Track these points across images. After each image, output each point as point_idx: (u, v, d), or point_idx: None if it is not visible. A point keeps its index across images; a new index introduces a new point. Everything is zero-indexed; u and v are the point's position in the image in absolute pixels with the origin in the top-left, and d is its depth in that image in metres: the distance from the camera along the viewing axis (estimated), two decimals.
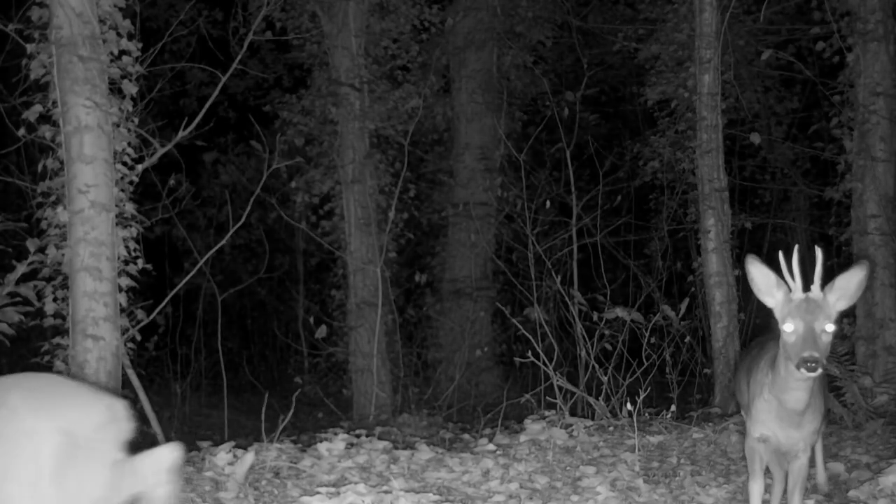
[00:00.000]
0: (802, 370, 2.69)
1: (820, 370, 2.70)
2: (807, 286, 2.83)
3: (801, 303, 2.77)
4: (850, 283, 2.80)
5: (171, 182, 8.15)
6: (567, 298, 6.76)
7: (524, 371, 8.86)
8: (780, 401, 3.00)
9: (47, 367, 5.65)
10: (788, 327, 2.77)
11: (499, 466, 4.50)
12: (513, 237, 9.67)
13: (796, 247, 2.89)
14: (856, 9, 7.39)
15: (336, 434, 4.84)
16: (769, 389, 3.04)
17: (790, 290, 2.83)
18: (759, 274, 2.89)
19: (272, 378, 11.97)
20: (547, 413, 5.52)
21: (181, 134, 6.21)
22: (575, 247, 7.74)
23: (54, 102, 5.44)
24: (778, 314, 2.84)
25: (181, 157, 7.52)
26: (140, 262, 5.75)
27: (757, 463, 3.23)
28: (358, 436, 4.93)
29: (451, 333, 9.79)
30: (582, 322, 6.62)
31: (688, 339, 7.33)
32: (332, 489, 3.86)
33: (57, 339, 5.53)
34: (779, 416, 3.07)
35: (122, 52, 5.66)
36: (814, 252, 2.82)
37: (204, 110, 6.45)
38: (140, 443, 6.19)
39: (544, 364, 5.96)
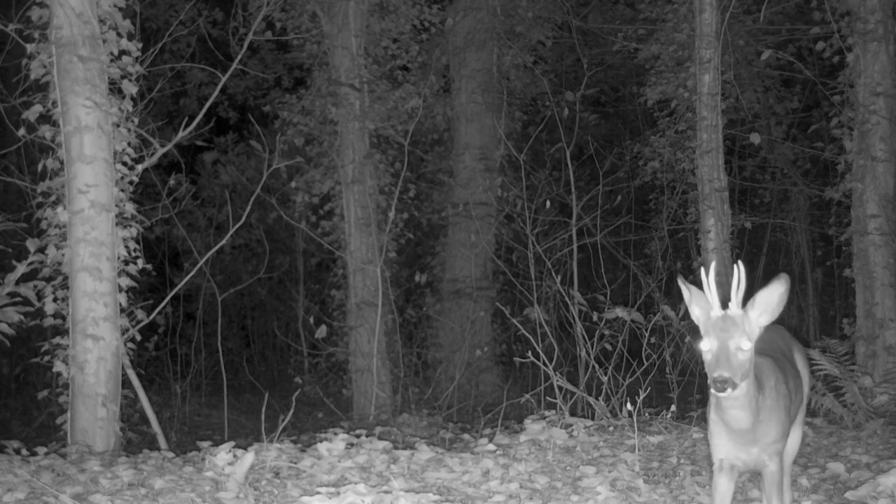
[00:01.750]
0: (713, 390, 2.67)
1: (730, 391, 2.66)
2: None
3: (718, 320, 2.75)
4: (771, 298, 2.76)
5: (171, 182, 8.16)
6: (567, 298, 6.75)
7: (524, 371, 8.86)
8: (724, 421, 2.94)
9: (47, 367, 5.66)
10: (704, 345, 2.75)
11: (499, 466, 4.49)
12: (513, 237, 9.67)
13: (713, 263, 2.86)
14: (856, 9, 7.39)
15: (336, 434, 4.83)
16: (714, 409, 2.97)
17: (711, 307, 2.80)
18: (684, 291, 2.86)
19: (272, 378, 11.97)
20: (547, 413, 5.51)
21: (181, 134, 6.21)
22: (575, 247, 7.74)
23: (54, 102, 5.45)
24: (700, 331, 2.83)
25: (181, 157, 7.54)
26: (140, 262, 5.75)
27: (718, 500, 3.07)
28: (358, 436, 4.92)
29: (451, 333, 9.79)
30: (582, 322, 6.62)
31: (688, 339, 7.33)
32: (332, 489, 3.86)
33: (57, 339, 5.53)
34: (730, 437, 2.98)
35: (122, 52, 5.66)
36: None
37: (204, 110, 6.46)
38: (140, 442, 6.20)
39: (544, 364, 5.96)
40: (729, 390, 2.65)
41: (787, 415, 3.04)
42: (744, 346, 2.70)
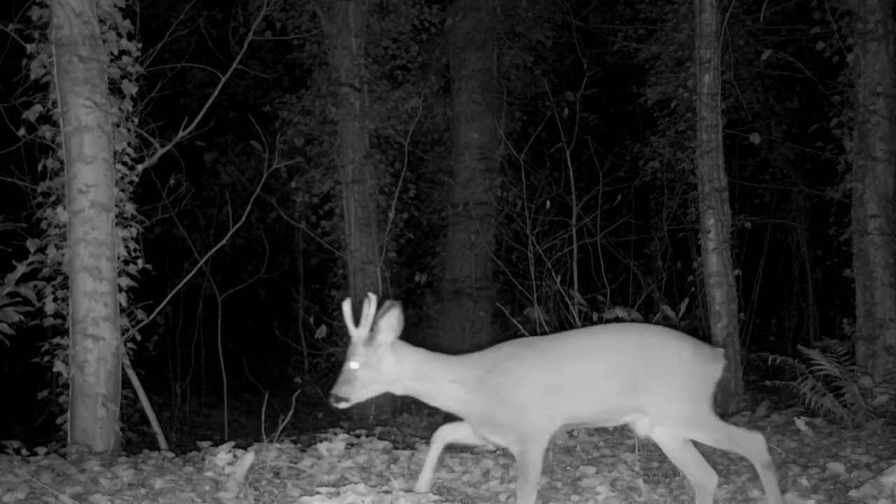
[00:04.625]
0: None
1: (335, 403, 3.35)
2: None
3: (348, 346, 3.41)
4: (391, 321, 3.37)
5: (171, 182, 8.15)
6: (567, 298, 6.75)
7: None
8: None
9: (47, 367, 5.66)
10: None
11: (499, 466, 4.50)
12: (513, 237, 9.66)
13: (347, 301, 3.44)
14: (856, 9, 7.39)
15: (336, 434, 4.83)
16: None
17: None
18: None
19: (272, 378, 11.96)
20: None
21: (181, 134, 6.21)
22: (575, 247, 7.73)
23: (54, 102, 5.45)
24: None
25: (181, 157, 7.53)
26: (140, 262, 5.76)
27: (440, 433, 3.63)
28: (358, 436, 4.93)
29: (451, 333, 9.79)
30: (582, 322, 6.61)
31: None
32: (332, 489, 3.85)
33: (57, 339, 5.54)
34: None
35: (122, 52, 5.66)
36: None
37: (204, 110, 6.46)
38: (140, 442, 6.18)
39: None
40: (333, 402, 3.35)
41: (514, 419, 3.33)
42: (352, 366, 3.35)
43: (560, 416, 3.39)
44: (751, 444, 3.43)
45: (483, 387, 3.36)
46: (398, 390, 3.43)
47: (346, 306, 3.40)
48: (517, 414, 3.34)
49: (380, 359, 3.38)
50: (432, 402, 3.48)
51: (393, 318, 3.38)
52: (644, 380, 3.37)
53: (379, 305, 3.40)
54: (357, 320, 3.41)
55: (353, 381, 3.35)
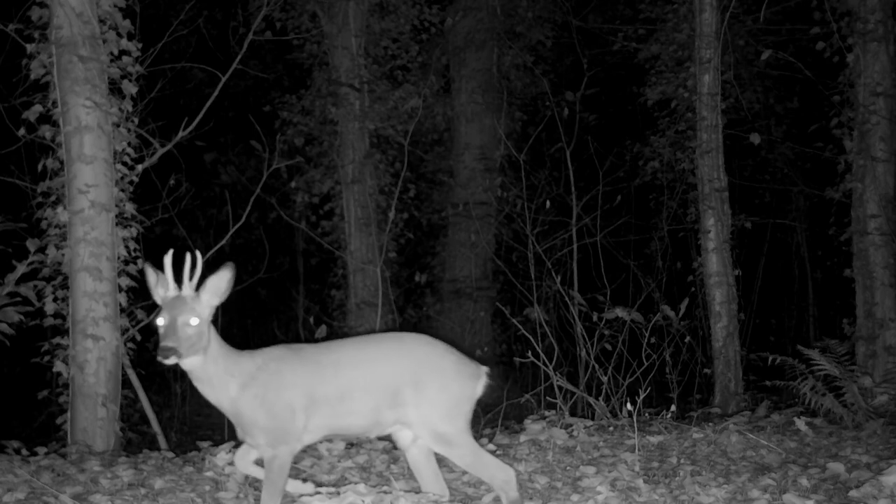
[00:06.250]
0: (160, 357, 3.12)
1: (174, 358, 3.12)
2: None
3: (170, 300, 3.20)
4: (220, 283, 3.22)
5: (171, 182, 8.15)
6: (567, 298, 6.75)
7: (524, 371, 8.85)
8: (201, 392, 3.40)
9: (47, 367, 5.66)
10: (159, 321, 3.20)
11: None
12: (513, 237, 9.66)
13: (170, 251, 3.27)
14: (856, 9, 7.39)
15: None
16: None
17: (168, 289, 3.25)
18: (150, 275, 3.31)
19: None
20: (547, 413, 5.51)
21: (181, 134, 6.22)
22: (575, 247, 7.74)
23: (54, 102, 5.45)
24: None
25: (181, 157, 7.53)
26: (140, 262, 5.76)
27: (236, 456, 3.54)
28: None
29: (451, 333, 9.79)
30: (582, 322, 6.62)
31: (688, 339, 7.33)
32: (332, 489, 3.86)
33: (57, 339, 5.54)
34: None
35: (122, 52, 5.67)
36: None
37: (204, 110, 6.46)
38: (140, 442, 6.17)
39: (544, 364, 5.96)
40: (173, 358, 3.12)
41: (273, 422, 3.26)
42: (191, 322, 3.16)
43: (320, 426, 3.35)
44: (501, 475, 3.38)
45: (252, 384, 3.28)
46: (191, 364, 3.21)
47: (167, 259, 3.23)
48: (276, 417, 3.27)
49: (208, 321, 3.22)
50: (211, 396, 3.32)
51: (224, 279, 3.23)
52: (406, 393, 3.34)
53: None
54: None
55: (193, 338, 3.14)
